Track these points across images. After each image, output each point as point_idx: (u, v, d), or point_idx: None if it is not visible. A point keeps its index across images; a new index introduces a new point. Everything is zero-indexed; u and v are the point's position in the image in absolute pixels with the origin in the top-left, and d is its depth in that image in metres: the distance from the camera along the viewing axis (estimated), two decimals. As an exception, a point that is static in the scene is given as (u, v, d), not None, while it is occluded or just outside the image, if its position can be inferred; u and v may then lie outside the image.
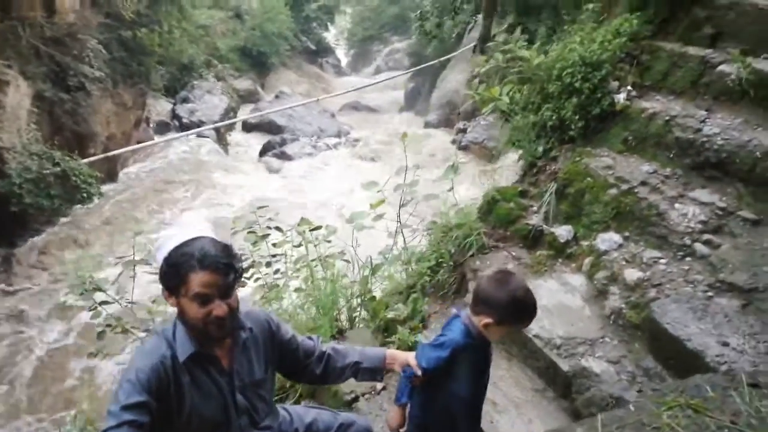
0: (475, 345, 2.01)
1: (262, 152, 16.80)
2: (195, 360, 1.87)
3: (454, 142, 17.72)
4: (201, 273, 1.77)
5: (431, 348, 2.07)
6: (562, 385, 2.63)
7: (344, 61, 35.46)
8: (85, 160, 10.14)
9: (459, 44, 16.61)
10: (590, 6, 4.02)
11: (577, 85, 3.47)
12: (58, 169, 9.77)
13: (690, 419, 1.69)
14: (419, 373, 2.05)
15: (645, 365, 2.54)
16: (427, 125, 19.27)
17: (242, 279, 4.24)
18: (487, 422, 2.49)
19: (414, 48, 24.94)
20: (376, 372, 2.23)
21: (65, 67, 10.70)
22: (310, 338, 2.25)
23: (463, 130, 17.88)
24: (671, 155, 3.28)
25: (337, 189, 12.62)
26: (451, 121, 18.89)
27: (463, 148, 17.23)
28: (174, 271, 1.80)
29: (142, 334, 3.69)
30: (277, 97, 19.80)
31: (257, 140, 17.41)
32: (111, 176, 12.81)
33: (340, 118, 20.11)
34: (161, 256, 1.86)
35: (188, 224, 1.87)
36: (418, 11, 9.09)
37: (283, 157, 16.07)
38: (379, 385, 3.02)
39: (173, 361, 1.84)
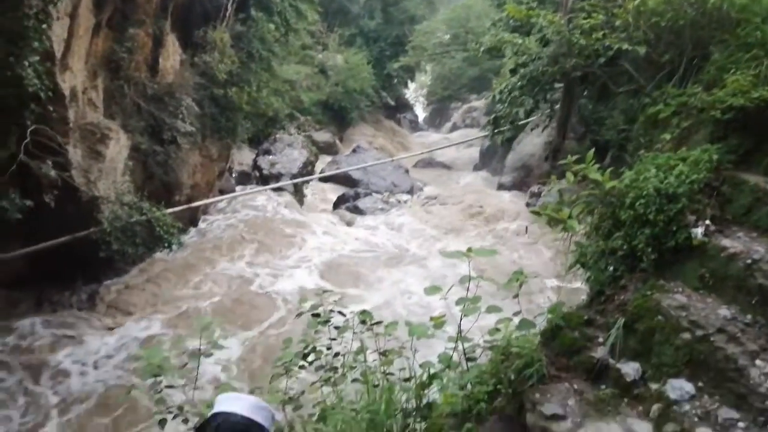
0: None
1: (336, 204, 17.23)
2: None
3: (528, 205, 17.51)
4: None
5: None
6: None
7: (421, 116, 36.02)
8: (170, 210, 10.74)
9: (537, 109, 16.58)
10: (666, 136, 3.92)
11: (650, 216, 3.36)
12: (144, 218, 10.38)
13: None
14: None
15: None
16: (500, 187, 19.18)
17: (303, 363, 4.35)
18: None
19: (491, 107, 25.08)
20: None
21: (161, 122, 11.52)
22: None
23: (537, 194, 17.66)
24: (753, 301, 3.09)
25: (407, 254, 12.68)
26: (526, 184, 18.71)
27: (537, 212, 16.98)
28: None
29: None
30: (354, 150, 20.37)
31: (333, 191, 17.91)
32: (192, 221, 13.52)
33: (414, 174, 20.37)
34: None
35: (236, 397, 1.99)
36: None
37: (356, 211, 16.41)
38: None
39: None
